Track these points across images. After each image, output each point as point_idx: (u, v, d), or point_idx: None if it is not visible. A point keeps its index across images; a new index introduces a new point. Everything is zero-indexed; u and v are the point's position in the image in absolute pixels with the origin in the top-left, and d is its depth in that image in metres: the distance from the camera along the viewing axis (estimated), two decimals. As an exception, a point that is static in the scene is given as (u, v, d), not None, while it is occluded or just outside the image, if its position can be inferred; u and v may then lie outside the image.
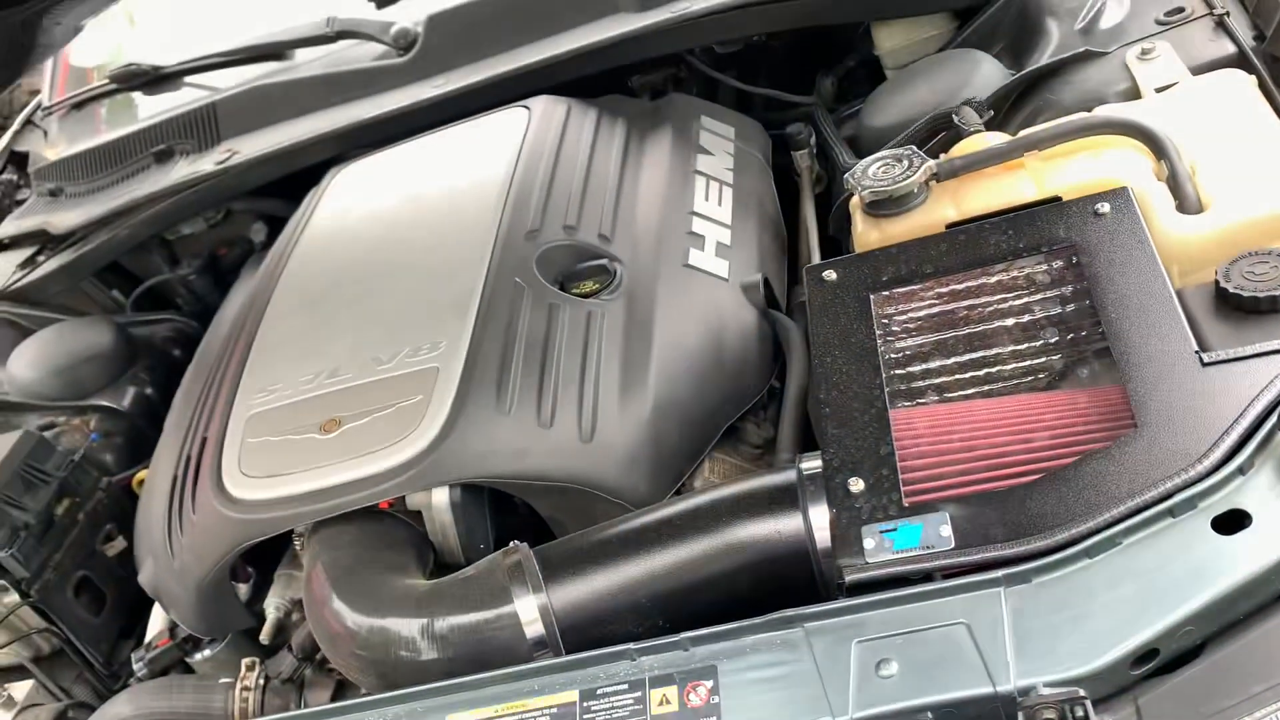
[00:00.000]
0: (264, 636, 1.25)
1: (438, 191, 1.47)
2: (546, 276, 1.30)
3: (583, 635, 1.01)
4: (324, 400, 1.22)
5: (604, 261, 1.31)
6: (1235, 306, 0.96)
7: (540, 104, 1.57)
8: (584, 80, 1.65)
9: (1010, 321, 1.03)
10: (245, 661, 1.21)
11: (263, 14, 1.90)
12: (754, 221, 1.44)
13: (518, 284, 1.27)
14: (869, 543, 0.91)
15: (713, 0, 1.54)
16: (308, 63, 1.81)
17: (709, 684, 0.89)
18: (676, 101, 1.61)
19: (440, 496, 1.14)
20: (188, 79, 1.87)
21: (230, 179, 1.75)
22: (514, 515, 1.21)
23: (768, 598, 0.95)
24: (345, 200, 1.60)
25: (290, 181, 1.75)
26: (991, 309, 1.05)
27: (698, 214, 1.40)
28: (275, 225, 1.83)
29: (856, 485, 0.95)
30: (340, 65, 1.77)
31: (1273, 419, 0.85)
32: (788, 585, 1.00)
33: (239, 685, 1.19)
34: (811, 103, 1.66)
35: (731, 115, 1.61)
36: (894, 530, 0.91)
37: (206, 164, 1.74)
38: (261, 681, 1.20)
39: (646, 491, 1.17)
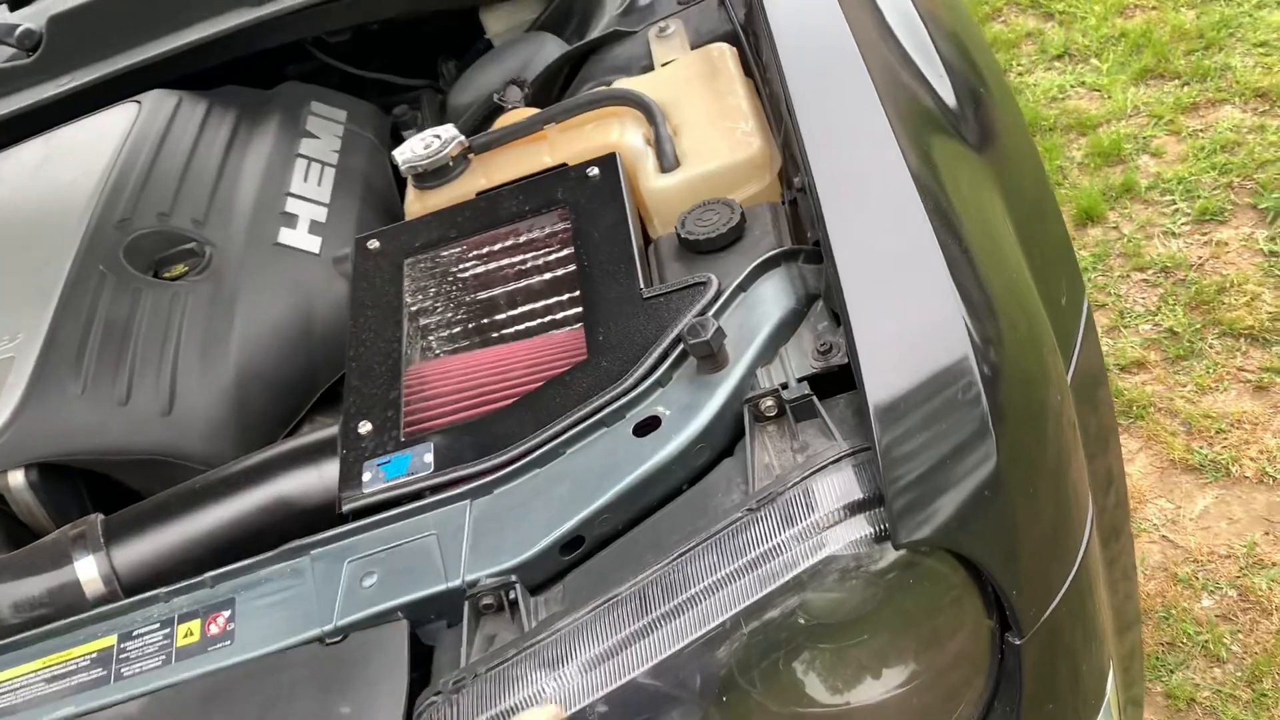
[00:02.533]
0: None
1: (35, 189, 1.52)
2: (137, 263, 1.37)
3: (147, 590, 1.11)
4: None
5: (193, 245, 1.39)
6: (688, 249, 1.14)
7: (151, 98, 1.63)
8: (241, 73, 1.71)
9: (514, 277, 1.18)
10: None
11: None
12: (355, 199, 1.55)
13: (102, 272, 1.34)
14: (367, 475, 1.04)
15: (317, -8, 1.64)
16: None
17: (227, 613, 1.00)
18: (288, 89, 1.70)
19: (16, 478, 1.20)
20: None
21: None
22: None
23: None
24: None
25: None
26: (500, 266, 1.19)
27: (293, 194, 1.49)
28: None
29: (365, 427, 1.07)
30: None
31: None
32: None
33: None
34: (422, 85, 1.78)
35: (344, 99, 1.70)
36: (389, 462, 1.04)
37: None
38: None
39: (233, 457, 1.27)
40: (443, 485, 1.01)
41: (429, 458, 1.02)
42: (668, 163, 1.22)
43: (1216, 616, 1.82)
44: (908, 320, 0.94)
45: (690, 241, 1.12)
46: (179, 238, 1.41)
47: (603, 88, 1.32)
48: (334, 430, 1.15)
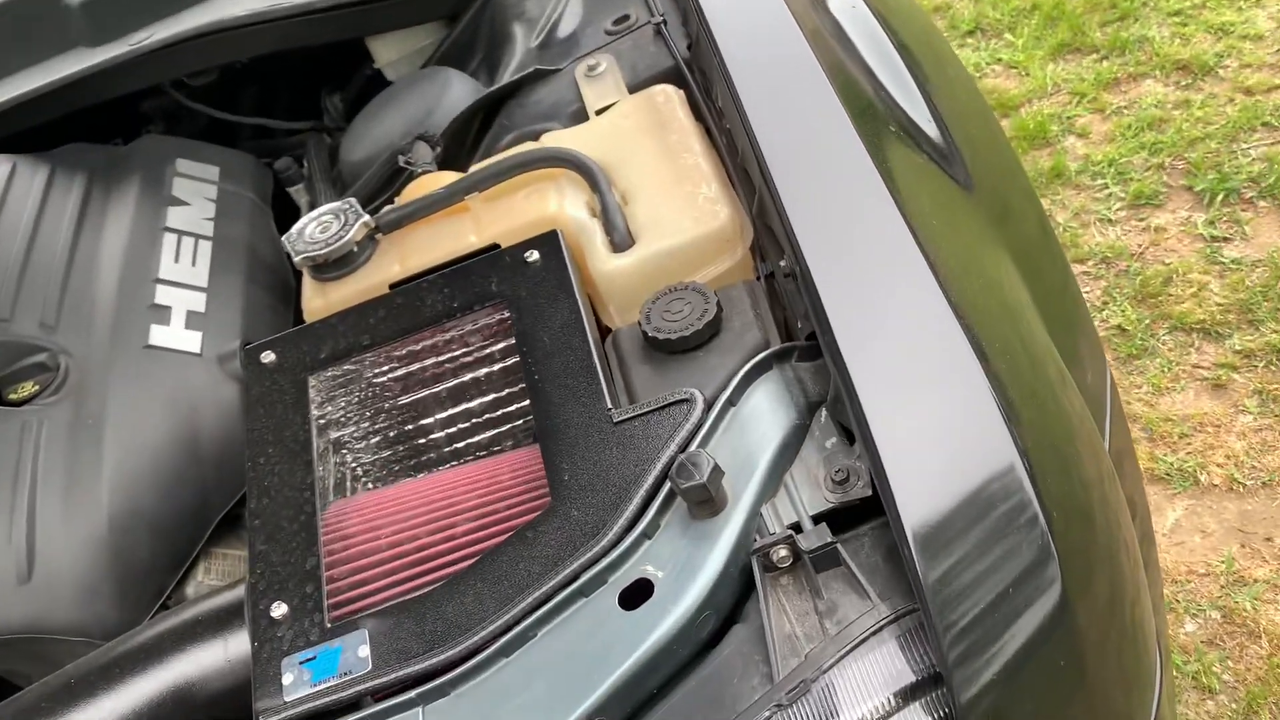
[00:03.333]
0: None
1: None
2: (-27, 386, 1.12)
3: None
4: None
5: (43, 357, 1.15)
6: (657, 349, 0.95)
7: (-22, 165, 1.36)
8: (85, 123, 1.46)
9: (442, 389, 0.97)
10: None
11: None
12: (240, 277, 1.31)
13: (-73, 403, 1.09)
14: (288, 678, 0.83)
15: (171, 30, 1.39)
16: None
17: None
18: (148, 145, 1.44)
19: None
20: None
21: None
22: None
23: None
24: None
25: None
26: (427, 377, 0.99)
27: (164, 280, 1.25)
28: None
29: (279, 610, 0.86)
30: None
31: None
32: None
33: None
34: (305, 129, 1.54)
35: (216, 152, 1.46)
36: (314, 659, 0.83)
37: None
38: None
39: (118, 619, 1.04)
40: (385, 688, 0.81)
41: (364, 651, 0.82)
42: (620, 239, 1.03)
43: (1203, 643, 1.74)
44: (940, 432, 0.77)
45: (660, 341, 0.93)
46: (24, 348, 1.16)
47: (530, 144, 1.12)
48: (237, 593, 0.94)
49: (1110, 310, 2.27)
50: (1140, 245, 2.39)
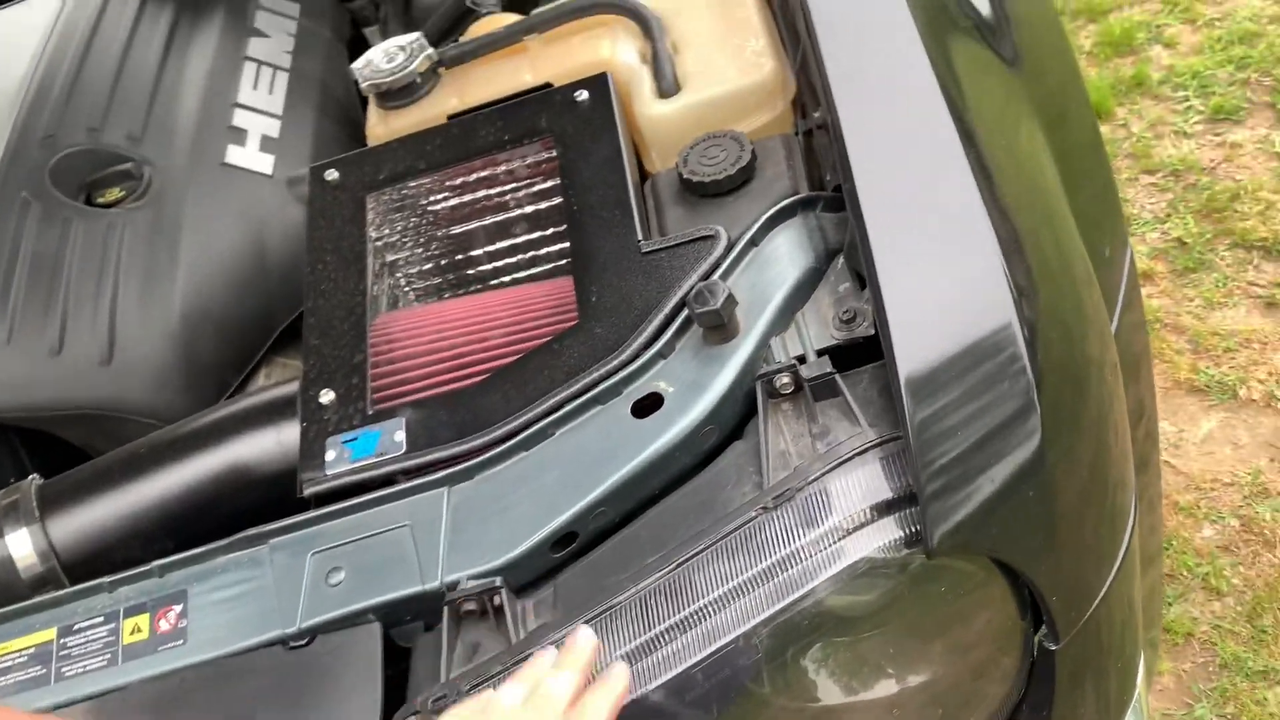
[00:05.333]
0: None
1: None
2: (65, 187, 1.22)
3: (89, 568, 0.99)
4: None
5: (129, 166, 1.24)
6: (691, 191, 1.00)
7: (78, -15, 1.44)
8: None
9: (489, 219, 1.04)
10: None
11: None
12: (313, 108, 1.38)
13: (25, 199, 1.18)
14: (330, 454, 0.92)
15: None
16: None
17: (179, 608, 0.90)
18: (234, -22, 1.51)
19: (-62, 439, 1.09)
20: None
21: None
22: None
23: (283, 510, 0.96)
24: None
25: None
26: (475, 205, 1.05)
27: (242, 105, 1.33)
28: None
29: (327, 396, 0.95)
30: None
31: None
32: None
33: None
34: (383, -29, 1.59)
35: (298, -12, 1.52)
36: (355, 439, 0.92)
37: None
38: None
39: (183, 408, 1.15)
40: (417, 468, 0.90)
41: (400, 436, 0.91)
42: (667, 86, 1.07)
43: (1217, 548, 1.77)
44: (943, 284, 0.82)
45: (694, 184, 0.99)
46: (113, 157, 1.25)
47: (591, -8, 1.16)
48: (293, 388, 1.03)
49: (1172, 223, 2.25)
50: (1213, 160, 2.35)
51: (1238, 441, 1.91)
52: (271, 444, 1.01)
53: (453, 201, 1.05)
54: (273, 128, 1.33)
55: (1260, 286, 2.10)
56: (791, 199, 0.95)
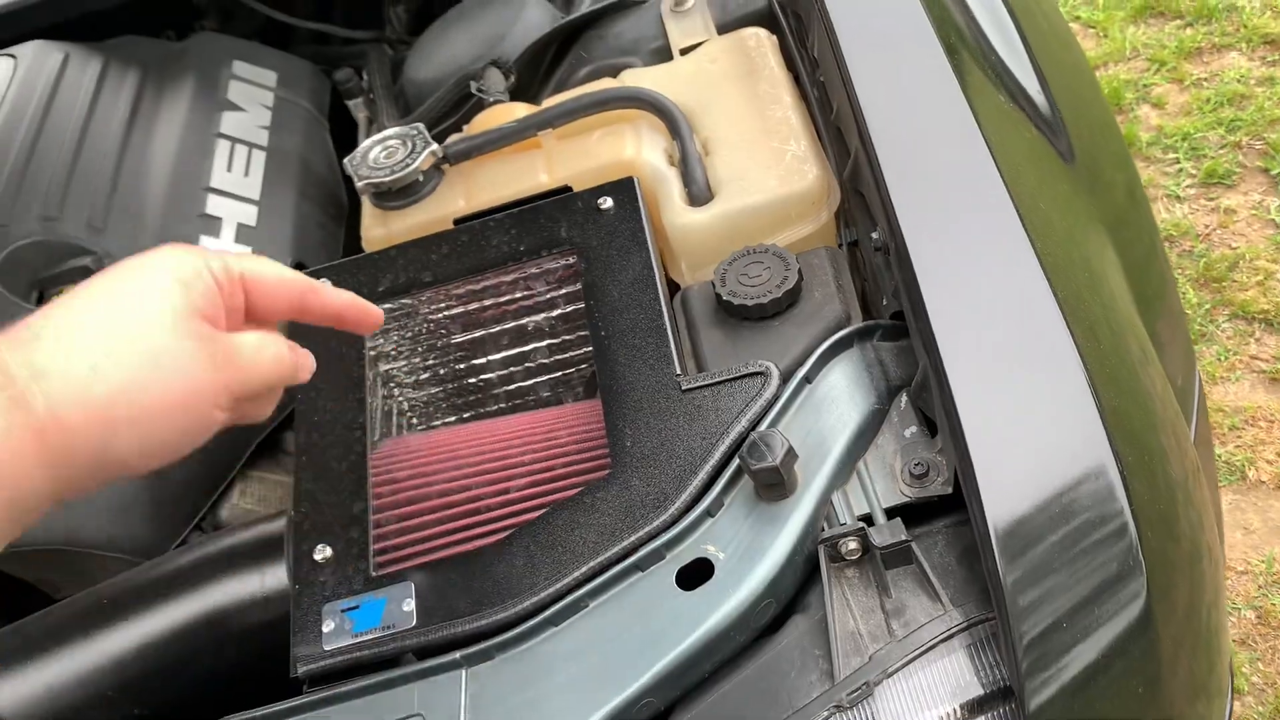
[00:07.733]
0: None
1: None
2: (15, 285, 1.09)
3: (37, 739, 0.87)
4: None
5: (88, 261, 1.11)
6: (731, 314, 0.90)
7: (30, 51, 1.31)
8: (138, 13, 1.39)
9: (499, 330, 0.93)
10: None
11: None
12: (293, 191, 1.26)
13: (-31, 300, 1.05)
14: (329, 625, 0.80)
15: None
16: None
17: (149, 812, 0.77)
18: (204, 42, 1.38)
19: None
20: None
21: None
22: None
23: (272, 667, 0.84)
24: None
25: None
26: (485, 318, 0.94)
27: (215, 189, 1.21)
28: None
29: (323, 553, 0.84)
30: None
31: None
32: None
33: None
34: (366, 39, 1.47)
35: (274, 57, 1.40)
36: (357, 609, 0.80)
37: None
38: None
39: (151, 537, 1.03)
40: (430, 645, 0.78)
41: (409, 605, 0.79)
42: (698, 192, 0.97)
43: (1234, 642, 1.71)
44: (1031, 434, 0.73)
45: (735, 306, 0.89)
46: (71, 250, 1.12)
47: (609, 82, 1.06)
48: (278, 525, 0.91)
49: (1170, 291, 2.20)
50: (1208, 226, 2.31)
51: (1248, 526, 1.84)
52: (254, 591, 0.89)
53: (458, 311, 0.94)
54: (249, 215, 1.21)
55: (1263, 360, 2.05)
56: (848, 330, 0.85)
